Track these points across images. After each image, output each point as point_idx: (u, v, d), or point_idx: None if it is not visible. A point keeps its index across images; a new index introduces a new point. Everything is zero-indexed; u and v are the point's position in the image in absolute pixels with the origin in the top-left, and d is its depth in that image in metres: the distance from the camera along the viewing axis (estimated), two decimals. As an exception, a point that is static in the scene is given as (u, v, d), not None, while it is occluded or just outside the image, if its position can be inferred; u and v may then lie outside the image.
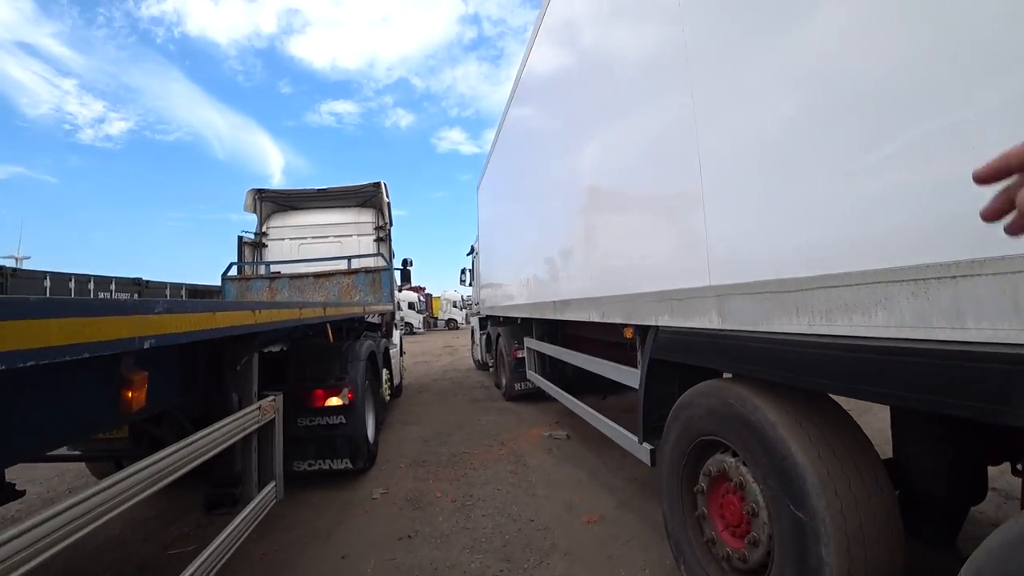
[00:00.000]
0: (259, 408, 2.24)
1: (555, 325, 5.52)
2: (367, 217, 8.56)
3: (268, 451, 2.42)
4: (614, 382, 3.41)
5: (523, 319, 6.09)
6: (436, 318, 42.37)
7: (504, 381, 7.86)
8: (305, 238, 8.44)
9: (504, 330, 7.77)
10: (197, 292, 18.14)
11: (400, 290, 10.29)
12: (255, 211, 8.41)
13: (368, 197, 8.65)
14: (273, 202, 8.63)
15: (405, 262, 10.24)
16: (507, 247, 7.53)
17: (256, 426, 2.22)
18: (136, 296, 14.88)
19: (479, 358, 11.48)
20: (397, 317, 10.21)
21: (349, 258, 7.47)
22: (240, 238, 8.05)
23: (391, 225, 8.39)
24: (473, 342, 12.57)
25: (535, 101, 5.30)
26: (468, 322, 22.45)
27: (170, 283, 17.55)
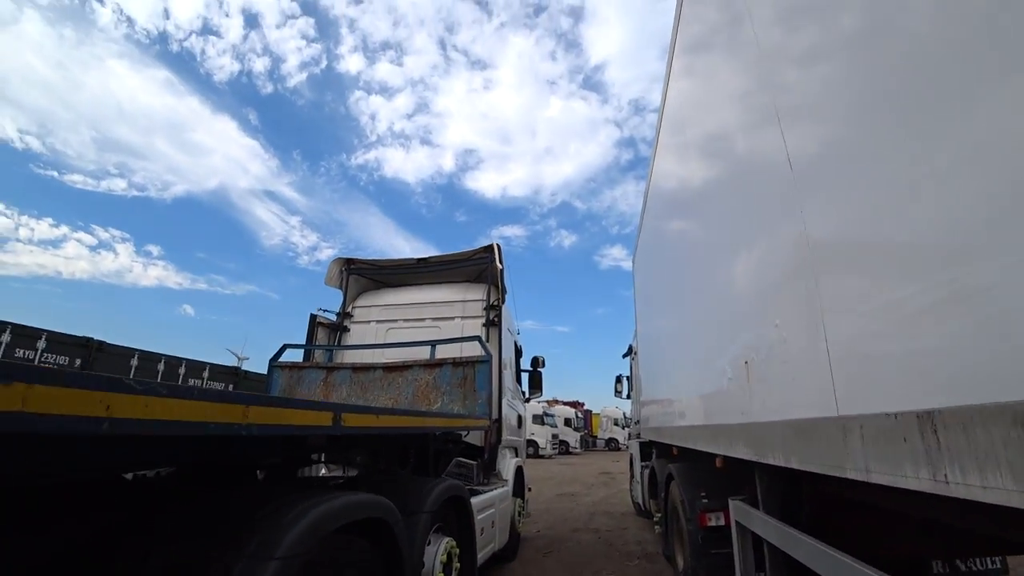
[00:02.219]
0: None
1: (798, 479, 2.15)
2: (477, 294, 6.27)
3: None
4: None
5: (727, 459, 2.82)
6: (595, 437, 38.48)
7: (682, 563, 4.39)
8: (396, 320, 6.40)
9: (681, 470, 4.45)
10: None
11: (526, 399, 7.57)
12: (340, 286, 6.71)
13: (480, 269, 6.46)
14: (363, 276, 6.88)
15: (536, 362, 7.60)
16: (686, 323, 4.49)
17: None
18: (230, 387, 14.18)
19: (640, 501, 7.89)
20: (526, 434, 7.40)
21: (433, 344, 5.09)
22: (313, 317, 6.26)
23: (502, 301, 5.97)
24: (632, 475, 9.02)
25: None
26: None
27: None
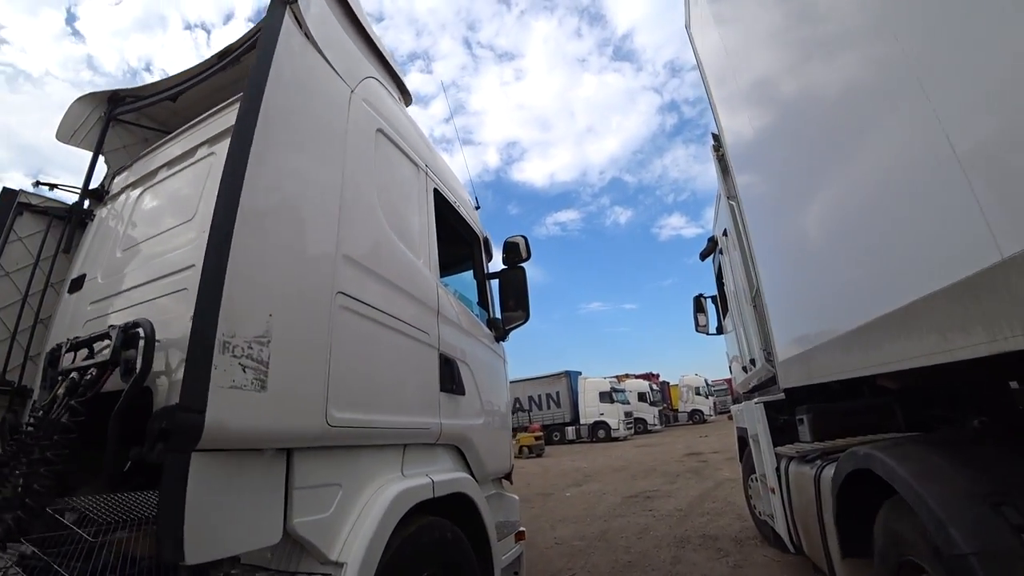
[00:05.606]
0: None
1: None
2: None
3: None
4: None
5: None
6: (676, 410, 33.98)
7: None
8: (156, 175, 2.74)
9: None
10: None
11: (504, 332, 3.62)
12: (91, 147, 3.15)
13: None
14: (139, 123, 3.31)
15: (513, 249, 3.63)
16: None
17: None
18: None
19: (787, 529, 3.62)
20: (505, 400, 3.49)
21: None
22: (10, 194, 2.72)
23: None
24: (750, 470, 4.78)
25: None
26: (717, 410, 13.60)
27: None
